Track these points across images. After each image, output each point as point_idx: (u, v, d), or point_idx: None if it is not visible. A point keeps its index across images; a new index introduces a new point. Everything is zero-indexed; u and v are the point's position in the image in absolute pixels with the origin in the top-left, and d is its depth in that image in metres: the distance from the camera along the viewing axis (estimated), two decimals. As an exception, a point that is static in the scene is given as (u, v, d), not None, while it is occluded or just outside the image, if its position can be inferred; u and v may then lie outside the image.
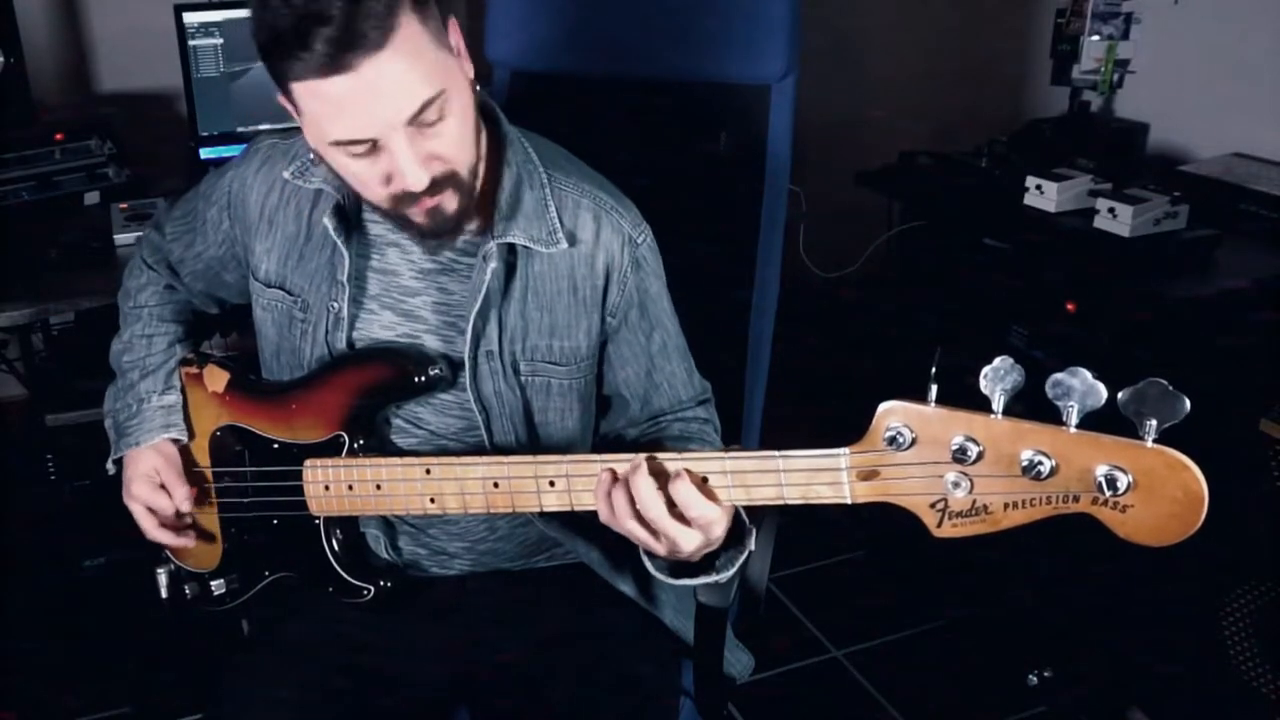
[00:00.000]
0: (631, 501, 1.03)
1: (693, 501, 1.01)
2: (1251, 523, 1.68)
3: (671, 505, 1.02)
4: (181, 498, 1.30)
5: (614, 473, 1.05)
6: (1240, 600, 1.76)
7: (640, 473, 1.02)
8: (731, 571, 1.13)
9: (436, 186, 1.08)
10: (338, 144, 1.05)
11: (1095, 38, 2.42)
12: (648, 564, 1.15)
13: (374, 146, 1.05)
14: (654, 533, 1.04)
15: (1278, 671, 1.72)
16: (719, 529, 1.04)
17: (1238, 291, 1.85)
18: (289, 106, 1.10)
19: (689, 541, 1.04)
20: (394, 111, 1.03)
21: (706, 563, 1.12)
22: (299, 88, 1.03)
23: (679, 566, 1.13)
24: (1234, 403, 1.69)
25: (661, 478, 1.02)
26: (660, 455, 1.04)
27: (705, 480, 1.02)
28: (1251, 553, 1.72)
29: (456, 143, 1.10)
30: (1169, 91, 2.41)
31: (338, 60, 0.99)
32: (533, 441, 1.24)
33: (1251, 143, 2.25)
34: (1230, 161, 2.23)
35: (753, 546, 1.12)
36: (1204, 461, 0.83)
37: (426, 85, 1.04)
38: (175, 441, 1.33)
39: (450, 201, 1.11)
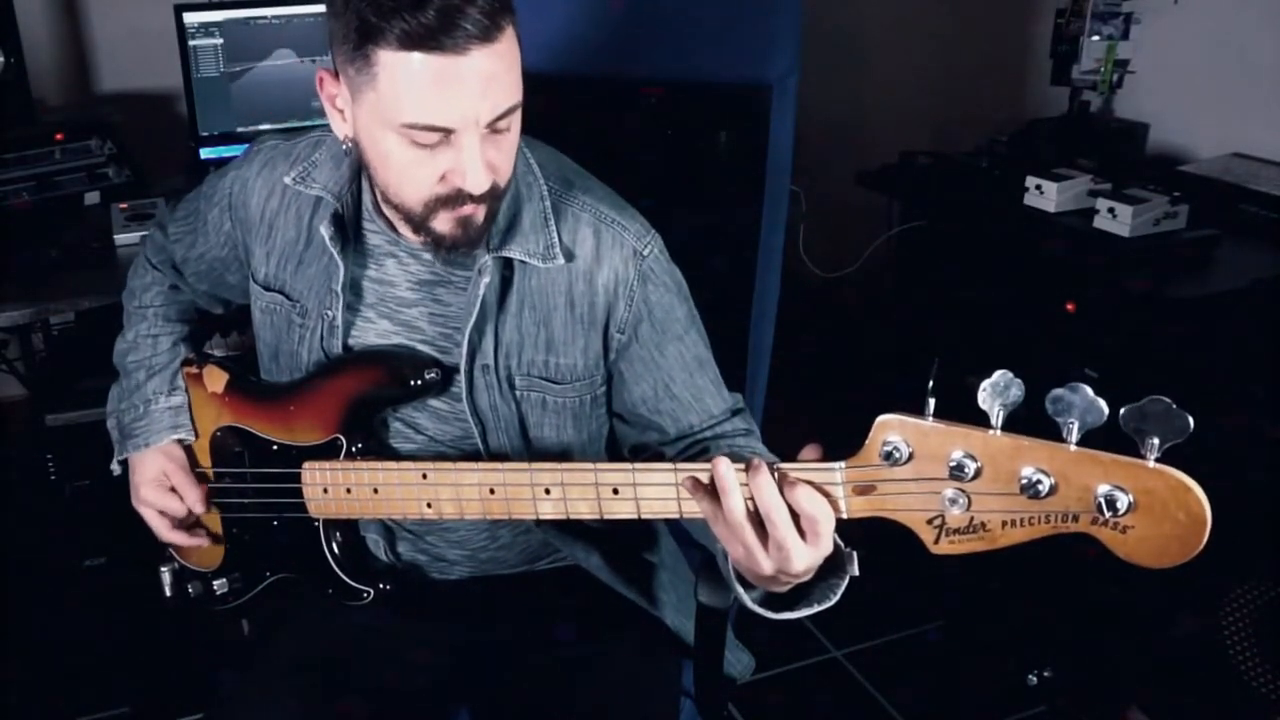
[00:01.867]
0: (744, 507, 0.95)
1: (813, 504, 0.92)
2: (1251, 523, 1.68)
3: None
4: (194, 499, 1.30)
5: (696, 479, 0.98)
6: (1240, 600, 1.76)
7: (762, 474, 0.93)
8: (834, 600, 1.02)
9: (482, 196, 1.07)
10: (410, 127, 1.02)
11: (1095, 38, 2.42)
12: (745, 599, 1.04)
13: (444, 139, 1.03)
14: (764, 543, 0.95)
15: (1278, 671, 1.72)
16: (828, 543, 0.95)
17: (1238, 291, 1.85)
18: (336, 86, 1.07)
19: (801, 558, 0.94)
20: (488, 107, 1.02)
21: (795, 595, 1.03)
22: (388, 57, 0.99)
23: (774, 599, 1.04)
24: (1234, 402, 1.69)
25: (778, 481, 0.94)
26: (662, 465, 1.02)
27: None
28: (1251, 553, 1.72)
29: (509, 157, 1.10)
30: (1169, 91, 2.41)
31: (450, 37, 0.97)
32: (528, 453, 1.22)
33: (1251, 143, 2.26)
34: (1230, 161, 2.23)
35: (855, 571, 1.01)
36: (1203, 461, 0.82)
37: (514, 92, 1.05)
38: (181, 442, 1.33)
39: (480, 213, 1.10)
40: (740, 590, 1.04)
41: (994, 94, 2.90)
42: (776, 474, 0.94)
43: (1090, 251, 1.99)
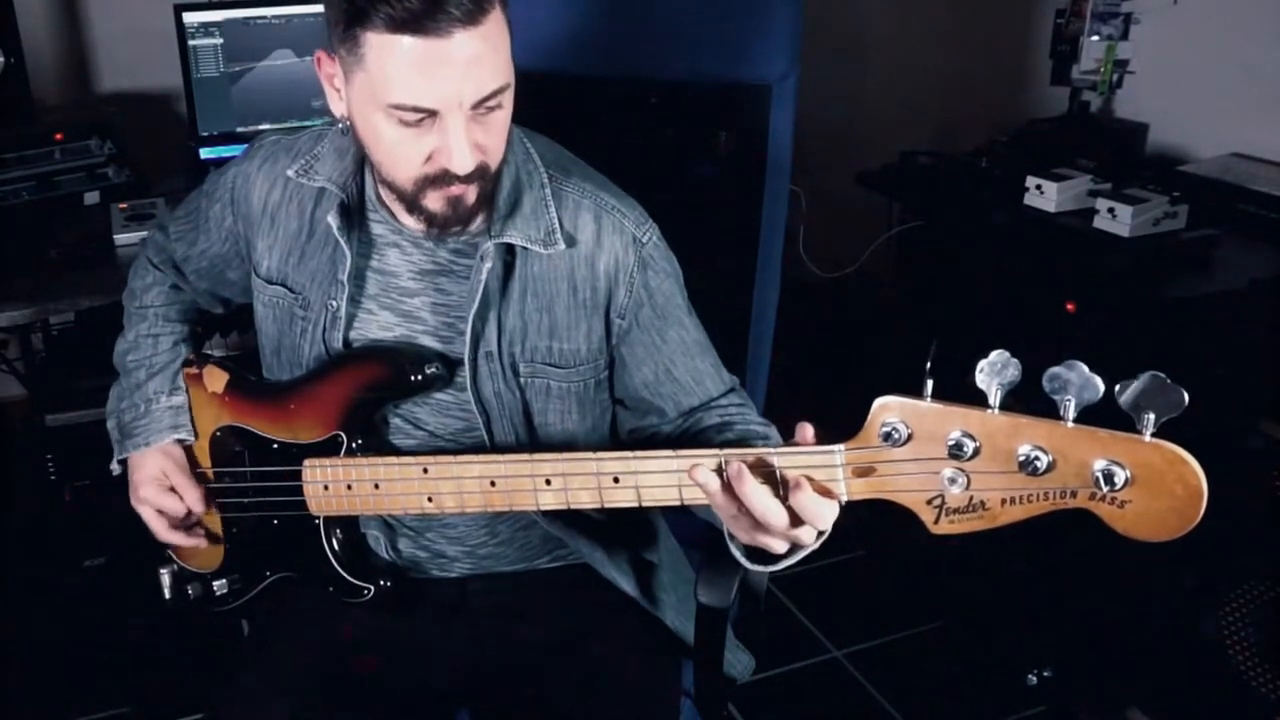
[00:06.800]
0: (737, 503, 0.98)
1: (816, 507, 0.95)
2: (1251, 523, 1.68)
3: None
4: (193, 499, 1.30)
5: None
6: (1240, 600, 1.76)
7: (746, 483, 0.96)
8: (803, 555, 1.05)
9: (469, 176, 1.08)
10: (396, 107, 1.04)
11: (1095, 38, 2.42)
12: (733, 549, 1.08)
13: (429, 120, 1.05)
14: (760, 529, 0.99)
15: (1278, 671, 1.72)
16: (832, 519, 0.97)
17: (1237, 291, 1.85)
18: (332, 66, 1.09)
19: (809, 536, 0.99)
20: (472, 89, 1.03)
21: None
22: (375, 39, 1.01)
23: (758, 554, 1.06)
24: (1234, 402, 1.69)
25: (773, 483, 0.96)
26: (662, 453, 1.03)
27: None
28: (1251, 553, 1.71)
29: (500, 138, 1.11)
30: (1169, 91, 2.41)
31: (434, 21, 0.99)
32: (533, 442, 1.23)
33: (1251, 143, 2.25)
34: (1230, 161, 2.23)
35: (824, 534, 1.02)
36: (1203, 461, 0.82)
37: (501, 74, 1.06)
38: (181, 442, 1.33)
39: (471, 194, 1.11)
40: (729, 542, 1.07)
41: (994, 94, 2.90)
42: (779, 475, 0.95)
43: (1090, 251, 1.99)
